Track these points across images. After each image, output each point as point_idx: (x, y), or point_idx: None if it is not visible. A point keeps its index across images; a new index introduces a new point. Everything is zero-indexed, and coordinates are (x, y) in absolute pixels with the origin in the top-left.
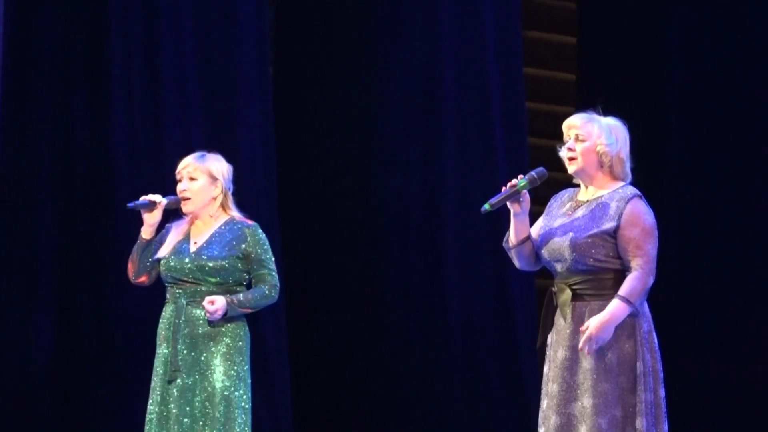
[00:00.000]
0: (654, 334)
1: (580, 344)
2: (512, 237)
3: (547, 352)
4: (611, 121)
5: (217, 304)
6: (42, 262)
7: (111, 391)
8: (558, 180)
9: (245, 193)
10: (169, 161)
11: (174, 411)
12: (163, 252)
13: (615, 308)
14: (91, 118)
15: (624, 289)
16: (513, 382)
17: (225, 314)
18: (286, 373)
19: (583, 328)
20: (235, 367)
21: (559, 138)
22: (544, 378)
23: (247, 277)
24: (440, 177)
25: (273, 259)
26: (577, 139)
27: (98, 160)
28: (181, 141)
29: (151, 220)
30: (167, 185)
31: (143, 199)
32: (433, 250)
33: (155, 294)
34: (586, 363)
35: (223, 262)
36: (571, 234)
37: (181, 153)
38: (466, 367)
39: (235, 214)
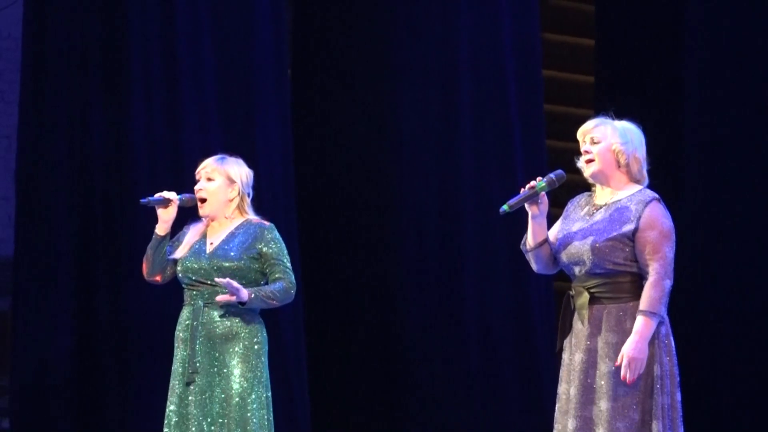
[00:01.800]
0: (672, 337)
1: (622, 375)
2: (530, 239)
3: (563, 356)
4: (625, 124)
5: (237, 284)
6: (60, 261)
7: (129, 389)
8: (577, 183)
9: (263, 195)
10: (187, 162)
11: (193, 412)
12: (180, 253)
13: (641, 326)
14: (108, 118)
15: (643, 302)
16: (530, 384)
17: (245, 303)
18: (303, 372)
19: (618, 362)
20: (253, 369)
21: (576, 140)
22: (559, 381)
23: (263, 278)
24: (458, 179)
25: (289, 259)
26: (591, 142)
27: (116, 159)
28: (198, 141)
29: (165, 216)
30: (185, 185)
31: (157, 195)
32: (451, 252)
33: (173, 292)
34: (604, 366)
35: (239, 263)
36: (590, 238)
37: (199, 153)
38: (483, 369)
39: (252, 216)
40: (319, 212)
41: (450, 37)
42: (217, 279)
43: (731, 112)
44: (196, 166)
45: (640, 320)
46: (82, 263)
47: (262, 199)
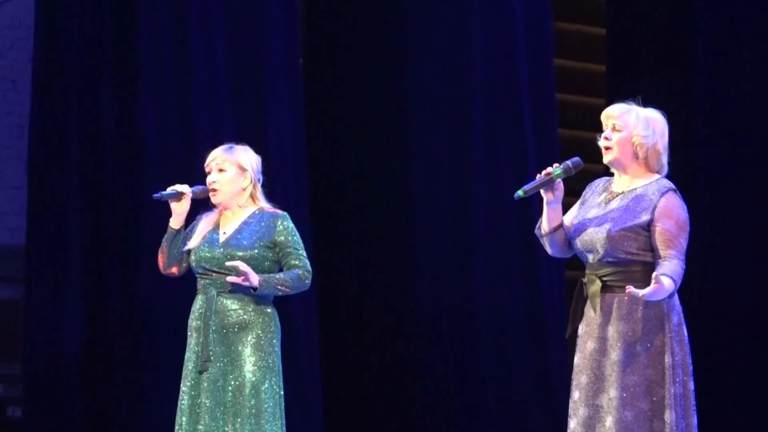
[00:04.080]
0: (684, 327)
1: (635, 289)
2: (545, 225)
3: (578, 343)
4: (650, 113)
5: (247, 267)
6: (72, 250)
7: (140, 378)
8: (593, 171)
9: (274, 184)
10: (199, 152)
11: (205, 401)
12: (193, 243)
13: (668, 284)
14: (120, 107)
15: (669, 269)
16: (542, 373)
17: (257, 289)
18: (315, 361)
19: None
20: (266, 358)
21: (588, 128)
22: (575, 369)
23: (277, 267)
24: (470, 168)
25: (303, 246)
26: (613, 128)
27: (127, 148)
28: (210, 131)
29: (179, 209)
30: (196, 175)
31: (170, 189)
32: (463, 241)
33: (185, 283)
34: (615, 355)
35: (253, 252)
36: (605, 226)
37: (211, 144)
38: (495, 358)
39: (264, 204)
40: (331, 201)
41: (462, 25)
42: (227, 263)
43: (744, 101)
44: (207, 154)
45: (667, 281)
46: (93, 252)
47: (274, 187)
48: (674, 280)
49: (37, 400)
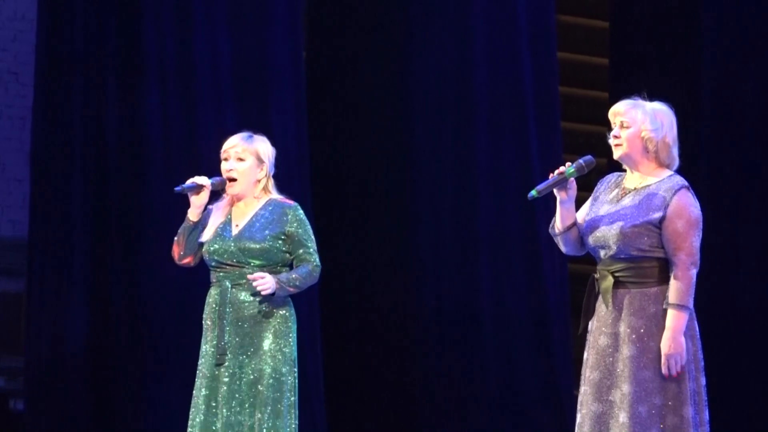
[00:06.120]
0: (695, 322)
1: (664, 370)
2: (558, 224)
3: (588, 339)
4: (656, 106)
5: (267, 278)
6: (75, 242)
7: (143, 371)
8: (597, 165)
9: (278, 177)
10: (202, 145)
11: (223, 393)
12: (206, 236)
13: (673, 320)
14: (123, 99)
15: (672, 296)
16: (545, 368)
17: (274, 293)
18: (318, 359)
19: (663, 366)
20: (283, 349)
21: (592, 122)
22: (584, 364)
23: (289, 257)
24: (473, 162)
25: (314, 239)
26: (621, 125)
27: (130, 141)
28: (213, 125)
29: (198, 202)
30: (199, 166)
31: (190, 182)
32: (466, 236)
33: (187, 278)
34: (627, 350)
35: (266, 244)
36: (617, 222)
37: (214, 134)
38: (498, 352)
39: (276, 195)
40: (334, 196)
41: (465, 19)
42: (248, 276)
43: (748, 94)
44: (210, 147)
45: (671, 314)
46: (96, 244)
47: (278, 181)
48: (680, 306)
49: (39, 392)
